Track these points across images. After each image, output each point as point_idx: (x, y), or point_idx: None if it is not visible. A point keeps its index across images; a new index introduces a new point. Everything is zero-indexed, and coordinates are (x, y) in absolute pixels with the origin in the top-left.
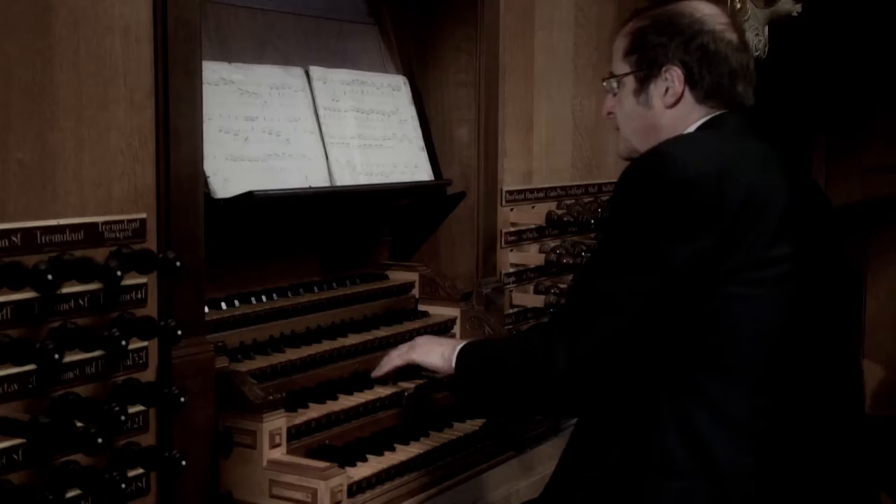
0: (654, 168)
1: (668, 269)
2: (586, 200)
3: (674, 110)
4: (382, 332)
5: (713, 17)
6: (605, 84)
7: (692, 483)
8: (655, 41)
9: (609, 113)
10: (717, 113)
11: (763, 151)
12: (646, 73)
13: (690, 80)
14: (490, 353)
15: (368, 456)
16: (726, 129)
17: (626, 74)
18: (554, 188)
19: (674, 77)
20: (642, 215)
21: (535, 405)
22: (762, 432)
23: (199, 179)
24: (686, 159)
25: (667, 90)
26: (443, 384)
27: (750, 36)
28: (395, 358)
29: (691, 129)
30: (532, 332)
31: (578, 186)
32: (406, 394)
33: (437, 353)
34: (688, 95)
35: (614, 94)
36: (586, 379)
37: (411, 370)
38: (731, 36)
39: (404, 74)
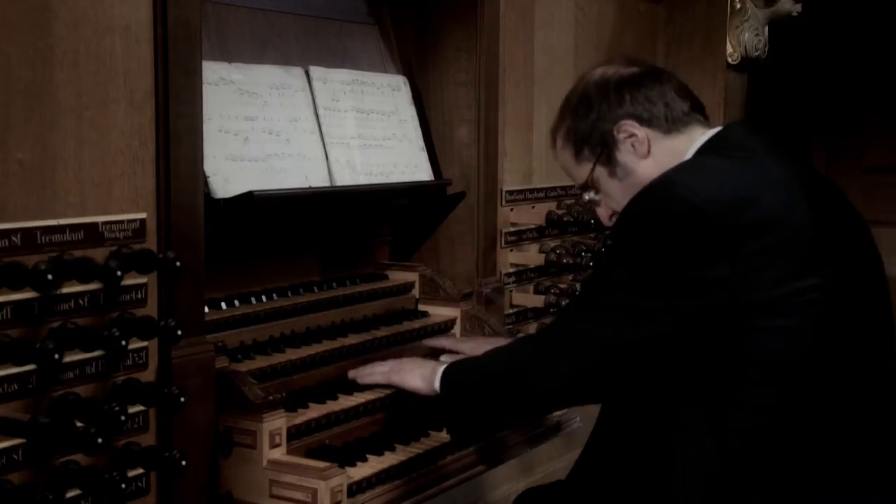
0: (659, 197)
1: (680, 292)
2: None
3: (652, 156)
4: (382, 332)
5: (605, 69)
6: (586, 198)
7: None
8: (590, 123)
9: (611, 216)
10: (713, 132)
11: (781, 171)
12: (605, 152)
13: (643, 122)
14: (478, 369)
15: (368, 456)
16: (733, 149)
17: (592, 171)
18: (554, 188)
19: (628, 128)
20: (649, 246)
21: (528, 415)
22: (787, 459)
23: (199, 179)
24: (692, 186)
25: (633, 146)
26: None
27: (749, 36)
28: (378, 375)
29: (689, 153)
30: (518, 347)
31: None
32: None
33: (416, 375)
34: (653, 134)
35: (599, 198)
36: (580, 393)
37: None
38: (630, 70)
39: (404, 74)
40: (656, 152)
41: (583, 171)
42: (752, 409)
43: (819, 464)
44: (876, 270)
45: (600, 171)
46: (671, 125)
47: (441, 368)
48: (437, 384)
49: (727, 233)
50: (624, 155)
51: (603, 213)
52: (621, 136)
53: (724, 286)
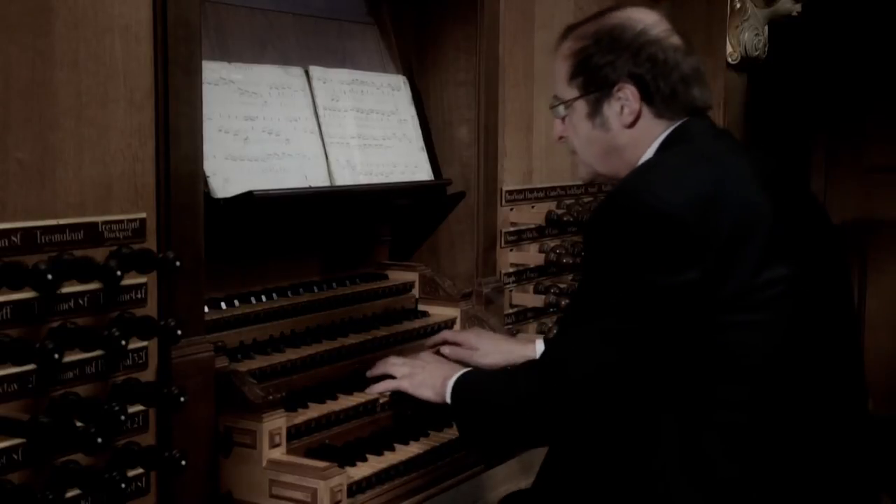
0: (626, 207)
1: (654, 302)
2: (586, 200)
3: (633, 129)
4: (382, 332)
5: (654, 24)
6: (551, 110)
7: None
8: (601, 60)
9: (560, 137)
10: (678, 123)
11: (741, 165)
12: (596, 94)
13: (646, 95)
14: (484, 392)
15: (368, 456)
16: (695, 144)
17: (576, 99)
18: (554, 188)
19: (628, 94)
20: (620, 255)
21: (530, 439)
22: (766, 453)
23: (199, 179)
24: (659, 193)
25: (622, 109)
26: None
27: (749, 36)
28: (390, 383)
29: (654, 145)
30: (522, 371)
31: (578, 186)
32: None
33: (428, 387)
34: (645, 111)
35: (563, 120)
36: (580, 413)
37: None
38: (676, 40)
39: (404, 74)
40: (639, 127)
41: (566, 92)
42: (729, 405)
43: (795, 458)
44: (838, 262)
45: (581, 105)
46: (665, 111)
47: (451, 382)
48: (447, 397)
49: (694, 236)
50: (610, 110)
51: (557, 130)
52: (618, 94)
53: (696, 288)
